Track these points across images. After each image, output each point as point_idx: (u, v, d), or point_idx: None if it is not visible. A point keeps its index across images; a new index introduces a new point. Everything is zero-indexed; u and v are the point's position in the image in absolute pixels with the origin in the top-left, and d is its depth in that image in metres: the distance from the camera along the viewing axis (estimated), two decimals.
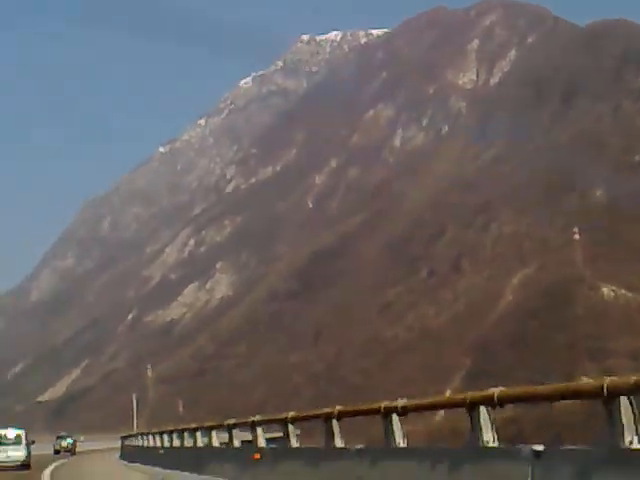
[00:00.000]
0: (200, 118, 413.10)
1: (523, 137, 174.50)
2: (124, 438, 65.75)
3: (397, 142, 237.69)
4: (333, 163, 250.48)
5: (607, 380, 8.69)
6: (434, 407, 14.50)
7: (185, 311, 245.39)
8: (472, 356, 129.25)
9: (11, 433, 42.80)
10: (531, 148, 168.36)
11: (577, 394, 9.63)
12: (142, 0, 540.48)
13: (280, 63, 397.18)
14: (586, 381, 9.32)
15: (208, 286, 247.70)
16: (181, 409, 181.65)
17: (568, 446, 9.87)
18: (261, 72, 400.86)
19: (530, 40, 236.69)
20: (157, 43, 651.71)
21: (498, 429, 11.11)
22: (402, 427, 13.89)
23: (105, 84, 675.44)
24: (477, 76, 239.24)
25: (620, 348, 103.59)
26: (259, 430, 22.09)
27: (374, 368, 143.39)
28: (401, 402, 13.75)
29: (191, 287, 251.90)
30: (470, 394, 11.31)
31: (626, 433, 8.65)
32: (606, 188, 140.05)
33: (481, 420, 11.07)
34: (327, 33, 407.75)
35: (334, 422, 16.30)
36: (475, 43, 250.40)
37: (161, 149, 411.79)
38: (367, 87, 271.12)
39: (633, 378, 8.45)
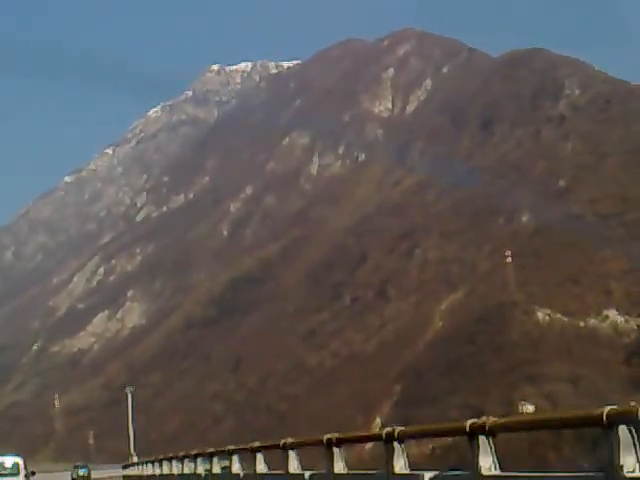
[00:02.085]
0: (107, 147, 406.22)
1: (444, 163, 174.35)
2: (125, 467, 65.17)
3: (314, 170, 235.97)
4: (248, 190, 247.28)
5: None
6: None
7: (94, 341, 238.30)
8: (402, 383, 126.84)
9: (8, 461, 36.77)
10: (453, 174, 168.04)
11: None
12: (44, 43, 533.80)
13: (190, 93, 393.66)
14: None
15: (119, 315, 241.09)
16: (91, 441, 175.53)
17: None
18: (170, 102, 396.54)
19: (445, 70, 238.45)
20: (62, 79, 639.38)
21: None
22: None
23: (8, 115, 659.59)
24: (393, 104, 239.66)
25: (559, 373, 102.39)
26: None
27: (300, 396, 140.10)
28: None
29: (100, 316, 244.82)
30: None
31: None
32: (533, 213, 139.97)
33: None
34: (237, 64, 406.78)
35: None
36: (390, 72, 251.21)
37: (67, 179, 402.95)
38: (281, 115, 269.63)
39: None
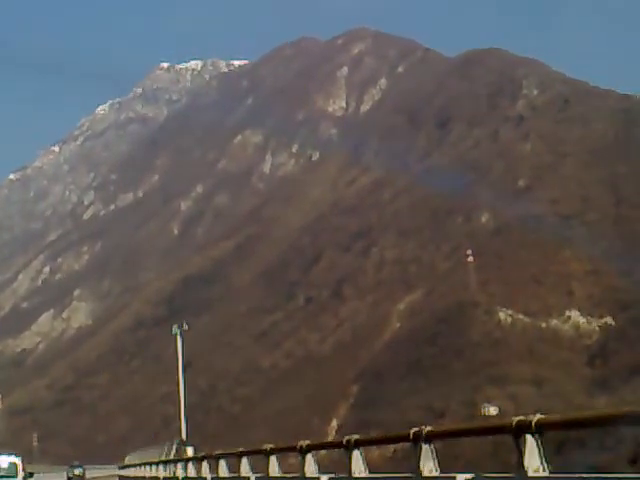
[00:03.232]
0: (54, 145, 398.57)
1: (400, 162, 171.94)
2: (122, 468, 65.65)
3: (267, 168, 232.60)
4: (199, 189, 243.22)
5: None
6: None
7: (39, 340, 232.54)
8: (360, 384, 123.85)
9: (4, 462, 32.16)
10: (410, 173, 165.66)
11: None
12: None
13: (139, 90, 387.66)
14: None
15: (65, 315, 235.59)
16: (35, 443, 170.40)
17: None
18: (119, 99, 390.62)
19: (400, 69, 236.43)
20: (7, 75, 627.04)
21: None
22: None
23: None
24: (347, 103, 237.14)
25: (522, 374, 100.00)
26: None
27: (254, 397, 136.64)
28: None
29: (46, 316, 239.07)
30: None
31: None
32: (492, 213, 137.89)
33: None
34: (187, 62, 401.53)
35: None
36: (344, 71, 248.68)
37: (11, 176, 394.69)
38: (232, 114, 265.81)
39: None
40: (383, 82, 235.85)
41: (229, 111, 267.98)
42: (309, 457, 18.37)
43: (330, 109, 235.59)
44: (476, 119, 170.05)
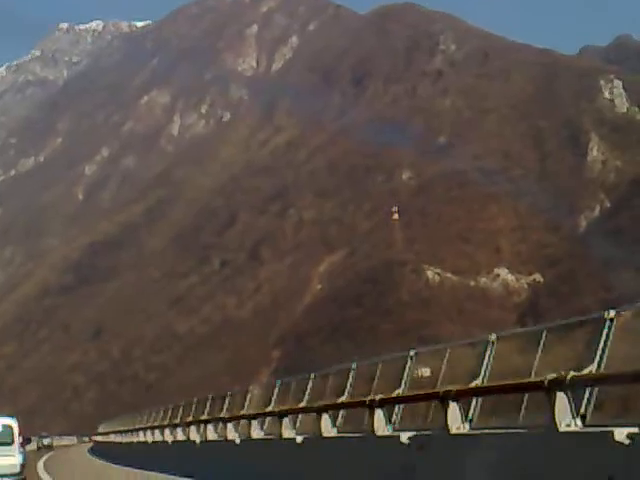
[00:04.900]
0: None
1: (315, 121, 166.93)
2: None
3: (175, 130, 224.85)
4: (104, 152, 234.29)
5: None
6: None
7: None
8: (282, 349, 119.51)
9: None
10: (326, 132, 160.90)
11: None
12: None
13: (37, 53, 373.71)
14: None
15: None
16: None
17: None
18: (16, 62, 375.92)
19: (311, 27, 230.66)
20: None
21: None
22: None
23: None
24: (258, 62, 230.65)
25: (453, 335, 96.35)
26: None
27: (170, 364, 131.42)
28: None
29: None
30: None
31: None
32: (414, 170, 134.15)
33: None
34: (87, 22, 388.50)
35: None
36: (254, 29, 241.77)
37: None
38: (137, 75, 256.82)
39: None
40: (294, 40, 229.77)
41: (134, 72, 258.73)
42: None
43: (240, 68, 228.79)
44: (393, 75, 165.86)
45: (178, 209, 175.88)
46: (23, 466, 23.87)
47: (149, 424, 39.25)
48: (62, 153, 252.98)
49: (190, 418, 30.46)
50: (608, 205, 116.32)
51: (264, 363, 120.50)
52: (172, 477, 26.07)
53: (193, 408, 31.04)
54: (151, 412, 40.66)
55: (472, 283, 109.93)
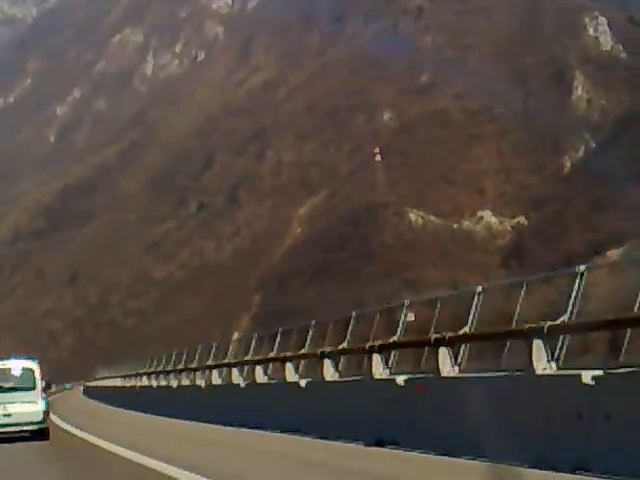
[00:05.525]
0: None
1: (293, 60, 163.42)
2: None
3: (149, 70, 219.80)
4: (76, 93, 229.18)
5: None
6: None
7: None
8: (262, 294, 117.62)
9: (16, 368, 22.83)
10: (304, 72, 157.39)
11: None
12: None
13: None
14: None
15: None
16: None
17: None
18: None
19: None
20: None
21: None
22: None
23: None
24: (232, 0, 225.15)
25: (436, 278, 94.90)
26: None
27: (148, 310, 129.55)
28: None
29: None
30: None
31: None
32: (395, 110, 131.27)
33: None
34: None
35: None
36: None
37: None
38: (110, 13, 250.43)
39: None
40: None
41: (105, 10, 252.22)
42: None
43: (215, 6, 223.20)
44: (373, 12, 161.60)
45: (153, 151, 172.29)
46: (46, 414, 22.25)
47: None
48: (32, 94, 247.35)
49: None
50: (593, 145, 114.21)
51: (244, 308, 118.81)
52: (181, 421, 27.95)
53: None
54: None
55: (455, 226, 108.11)
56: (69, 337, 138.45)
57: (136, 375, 44.45)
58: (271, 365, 24.46)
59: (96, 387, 65.80)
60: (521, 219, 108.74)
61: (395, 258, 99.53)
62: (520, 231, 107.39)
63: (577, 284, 11.86)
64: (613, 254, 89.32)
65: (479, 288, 14.44)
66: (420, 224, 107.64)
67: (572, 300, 11.75)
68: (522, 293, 13.57)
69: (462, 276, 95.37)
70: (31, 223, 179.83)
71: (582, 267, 11.95)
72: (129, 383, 47.05)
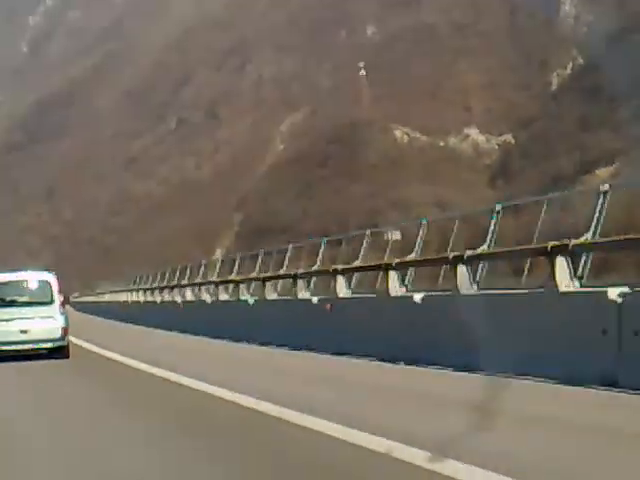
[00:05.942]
0: None
1: None
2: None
3: None
4: (49, 2, 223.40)
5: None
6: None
7: None
8: (244, 212, 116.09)
9: (32, 280, 21.54)
10: None
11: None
12: None
13: None
14: None
15: None
16: None
17: None
18: None
19: None
20: None
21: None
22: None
23: None
24: None
25: (422, 197, 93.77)
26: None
27: (127, 228, 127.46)
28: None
29: None
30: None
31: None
32: (379, 24, 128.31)
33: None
34: None
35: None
36: None
37: None
38: None
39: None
40: None
41: None
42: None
43: None
44: None
45: (129, 64, 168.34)
46: (65, 330, 20.97)
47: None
48: (2, 3, 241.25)
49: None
50: (581, 62, 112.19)
51: (226, 226, 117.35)
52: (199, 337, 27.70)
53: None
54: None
55: (441, 143, 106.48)
56: (47, 254, 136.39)
57: (153, 289, 43.03)
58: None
59: (86, 302, 68.27)
60: (508, 137, 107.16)
61: (380, 176, 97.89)
62: (507, 149, 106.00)
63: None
64: (603, 173, 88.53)
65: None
66: (405, 141, 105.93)
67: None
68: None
69: (449, 195, 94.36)
70: (6, 137, 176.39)
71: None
72: (136, 298, 47.19)
